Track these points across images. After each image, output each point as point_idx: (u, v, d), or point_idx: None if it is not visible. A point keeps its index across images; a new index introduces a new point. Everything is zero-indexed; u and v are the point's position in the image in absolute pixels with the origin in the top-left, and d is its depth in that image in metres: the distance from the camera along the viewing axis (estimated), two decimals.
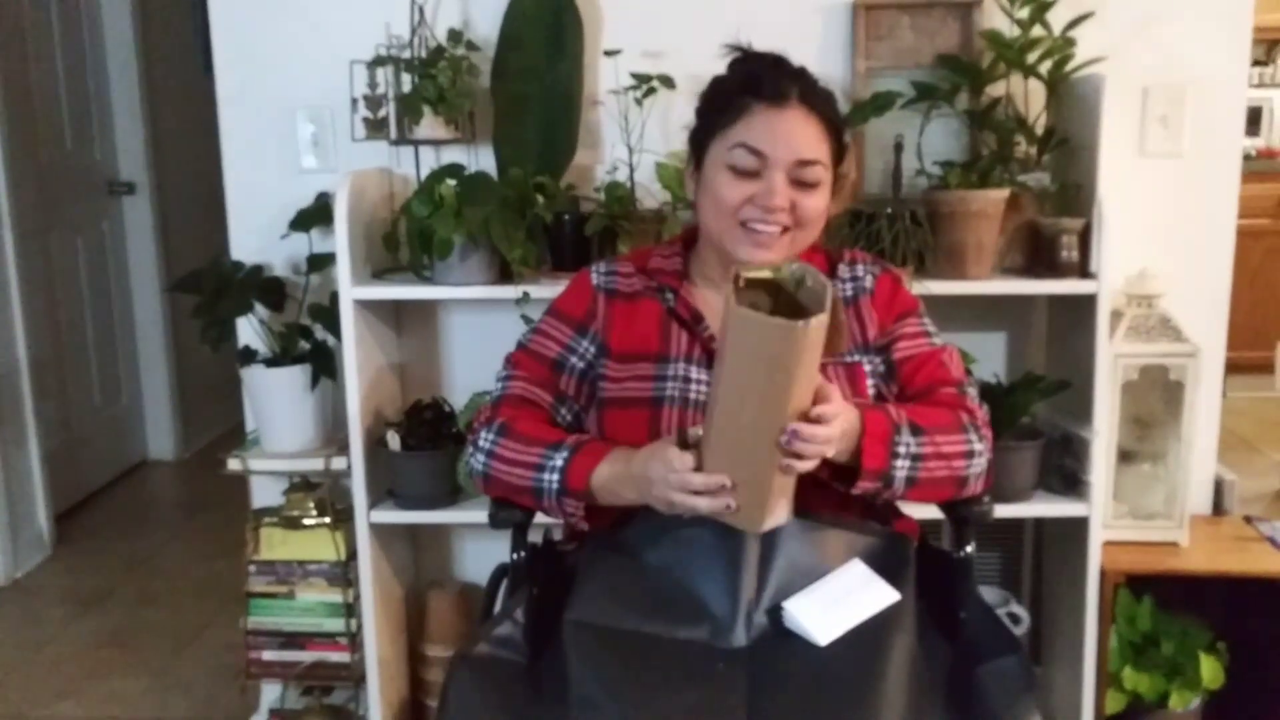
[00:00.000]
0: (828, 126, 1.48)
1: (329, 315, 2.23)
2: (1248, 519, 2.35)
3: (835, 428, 1.32)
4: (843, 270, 1.59)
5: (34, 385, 3.55)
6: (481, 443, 1.53)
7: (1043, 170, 2.14)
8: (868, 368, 1.53)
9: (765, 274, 1.33)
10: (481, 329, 2.38)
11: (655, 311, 1.57)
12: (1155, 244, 2.26)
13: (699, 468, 1.33)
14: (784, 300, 1.33)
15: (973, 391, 1.55)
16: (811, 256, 1.59)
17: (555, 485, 1.46)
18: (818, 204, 1.48)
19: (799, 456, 1.30)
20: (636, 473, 1.39)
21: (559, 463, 1.45)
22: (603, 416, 1.54)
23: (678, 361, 1.52)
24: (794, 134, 1.45)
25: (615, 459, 1.44)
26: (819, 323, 1.22)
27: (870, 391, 1.52)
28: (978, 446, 1.47)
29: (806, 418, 1.29)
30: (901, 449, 1.40)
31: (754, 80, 1.48)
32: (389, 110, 2.22)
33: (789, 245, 1.49)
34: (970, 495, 1.51)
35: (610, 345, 1.57)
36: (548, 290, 2.02)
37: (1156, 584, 2.24)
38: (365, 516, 2.19)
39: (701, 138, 1.53)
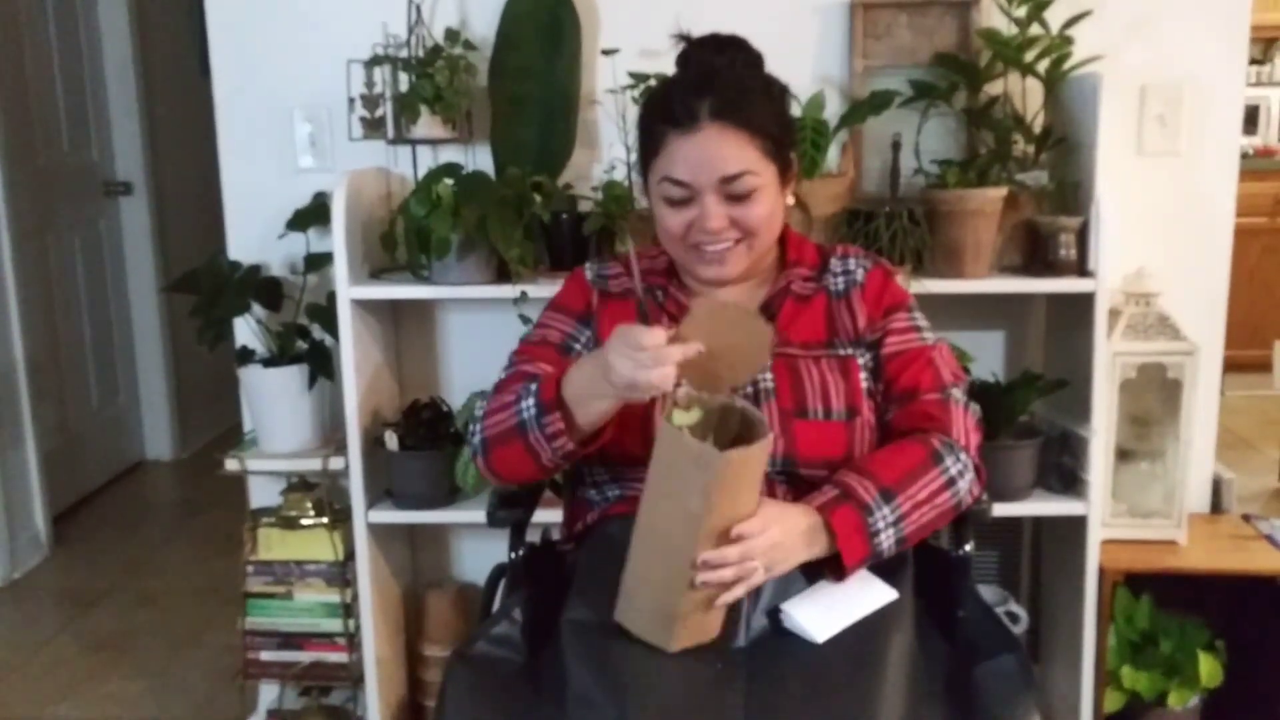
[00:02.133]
0: (750, 130, 1.44)
1: (326, 315, 2.23)
2: (1246, 517, 2.35)
3: (757, 544, 1.30)
4: (834, 264, 1.59)
5: (31, 386, 3.54)
6: (477, 413, 1.52)
7: (1040, 169, 2.14)
8: (860, 360, 1.53)
9: (695, 416, 1.31)
10: (479, 328, 2.38)
11: None
12: (1153, 242, 2.26)
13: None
14: (730, 428, 1.32)
15: (958, 394, 1.52)
16: (803, 250, 1.59)
17: (533, 409, 1.40)
18: (758, 211, 1.46)
19: (721, 585, 1.30)
20: (602, 359, 1.32)
21: (534, 386, 1.42)
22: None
23: None
24: (711, 155, 1.44)
25: (584, 359, 1.41)
26: (740, 456, 1.22)
27: (863, 385, 1.52)
28: (955, 470, 1.45)
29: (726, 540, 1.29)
30: (880, 524, 1.39)
31: (666, 107, 1.46)
32: (386, 110, 2.22)
33: (746, 254, 1.50)
34: (965, 510, 1.51)
35: (600, 340, 1.57)
36: (545, 289, 2.02)
37: (1155, 582, 2.24)
38: (363, 516, 2.19)
39: (641, 166, 1.55)
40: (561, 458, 1.42)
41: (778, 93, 1.54)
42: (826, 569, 1.40)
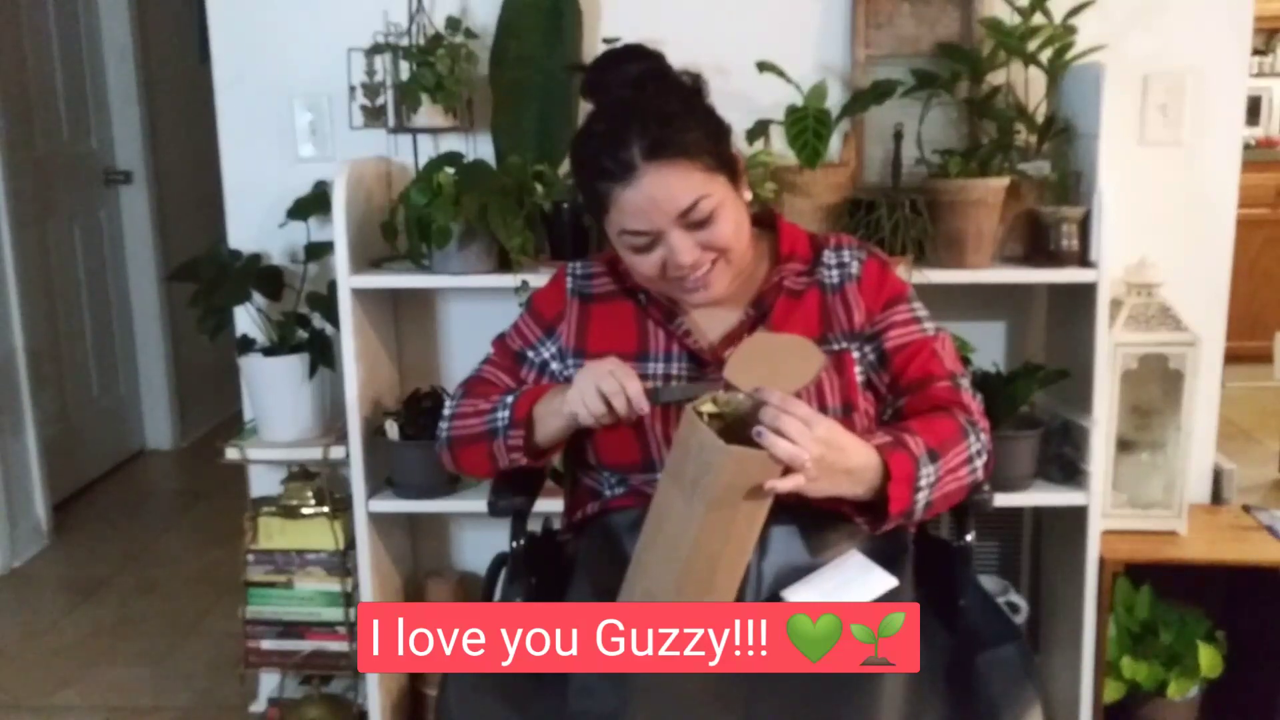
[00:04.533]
0: (688, 157, 1.40)
1: (327, 304, 2.23)
2: (1246, 508, 2.35)
3: (804, 409, 1.29)
4: (828, 256, 1.57)
5: (31, 375, 3.54)
6: (445, 412, 1.62)
7: (1043, 159, 2.14)
8: (855, 355, 1.51)
9: (725, 408, 1.32)
10: (480, 318, 2.37)
11: (630, 311, 1.58)
12: (1155, 233, 2.25)
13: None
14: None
15: (965, 383, 1.53)
16: (796, 242, 1.58)
17: (506, 420, 1.51)
18: (724, 229, 1.44)
19: None
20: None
21: (510, 400, 1.53)
22: None
23: (657, 359, 1.53)
24: (659, 198, 1.40)
25: (564, 385, 1.51)
26: (742, 454, 1.22)
27: (859, 379, 1.51)
28: (976, 447, 1.46)
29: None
30: (923, 481, 1.39)
31: (597, 165, 1.42)
32: (387, 98, 2.22)
33: (726, 270, 1.48)
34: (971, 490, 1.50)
35: (586, 346, 1.57)
36: (546, 279, 2.01)
37: (1155, 573, 2.24)
38: (364, 505, 2.19)
39: (593, 220, 1.54)
40: (511, 465, 1.55)
41: (694, 96, 1.50)
42: (862, 519, 1.40)
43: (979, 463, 1.47)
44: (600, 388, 1.38)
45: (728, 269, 1.48)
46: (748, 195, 1.52)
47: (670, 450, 1.32)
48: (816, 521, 1.43)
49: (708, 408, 1.30)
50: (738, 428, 1.31)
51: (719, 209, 1.43)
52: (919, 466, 1.38)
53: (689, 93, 1.50)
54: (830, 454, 1.30)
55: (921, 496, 1.39)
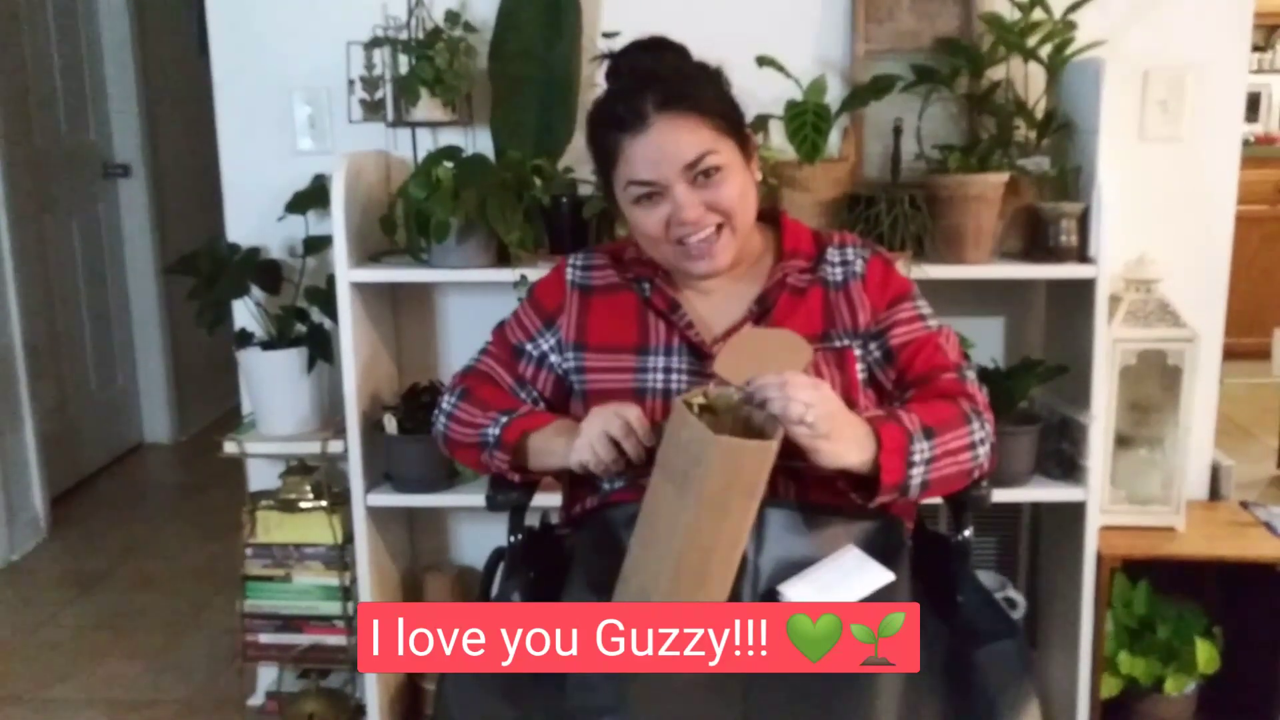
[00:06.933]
0: (700, 112, 1.44)
1: (325, 298, 2.23)
2: (1244, 504, 2.36)
3: (803, 380, 1.32)
4: (832, 254, 1.57)
5: (29, 368, 3.54)
6: (444, 405, 1.63)
7: (1042, 154, 2.13)
8: (858, 353, 1.52)
9: (716, 401, 1.34)
10: (478, 312, 2.36)
11: (632, 303, 1.58)
12: (1154, 229, 2.25)
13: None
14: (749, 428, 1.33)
15: (971, 374, 1.54)
16: (799, 239, 1.58)
17: (495, 439, 1.54)
18: (729, 190, 1.46)
19: None
20: (580, 425, 1.45)
21: (504, 420, 1.54)
22: (588, 407, 1.54)
23: (657, 353, 1.53)
24: (667, 147, 1.43)
25: (563, 421, 1.53)
26: (729, 444, 1.22)
27: (861, 376, 1.51)
28: (980, 435, 1.46)
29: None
30: (917, 456, 1.39)
31: (612, 114, 1.47)
32: (386, 92, 2.21)
33: (730, 240, 1.49)
34: (978, 479, 1.51)
35: (586, 339, 1.58)
36: (545, 273, 2.01)
37: (1153, 569, 2.24)
38: (362, 500, 2.19)
39: (603, 181, 1.55)
40: (500, 474, 1.59)
41: (715, 74, 1.53)
42: (857, 494, 1.41)
43: (982, 450, 1.47)
44: (608, 431, 1.39)
45: (732, 239, 1.49)
46: (757, 176, 1.54)
47: (661, 444, 1.32)
48: (814, 513, 1.43)
49: (698, 400, 1.31)
50: (728, 420, 1.31)
51: (725, 169, 1.46)
52: (912, 440, 1.39)
53: (711, 71, 1.53)
54: (839, 414, 1.34)
55: (916, 472, 1.39)
